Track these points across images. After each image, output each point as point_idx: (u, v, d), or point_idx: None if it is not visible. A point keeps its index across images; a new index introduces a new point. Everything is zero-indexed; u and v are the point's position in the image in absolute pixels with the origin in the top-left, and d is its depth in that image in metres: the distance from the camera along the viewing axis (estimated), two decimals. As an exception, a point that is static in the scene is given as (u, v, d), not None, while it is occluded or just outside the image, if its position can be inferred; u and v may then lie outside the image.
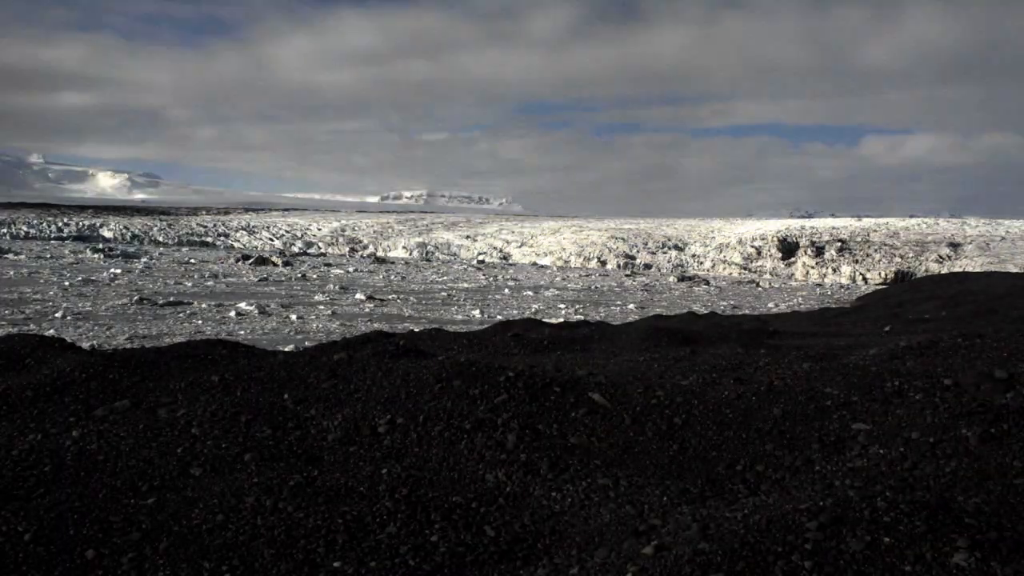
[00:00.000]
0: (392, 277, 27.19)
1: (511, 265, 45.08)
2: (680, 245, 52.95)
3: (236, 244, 57.48)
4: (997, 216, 69.92)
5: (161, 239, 58.22)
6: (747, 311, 22.17)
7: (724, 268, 48.11)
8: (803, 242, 49.41)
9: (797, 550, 2.60)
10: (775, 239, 50.29)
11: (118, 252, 37.59)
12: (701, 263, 49.37)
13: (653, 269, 48.00)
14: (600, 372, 5.85)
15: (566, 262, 51.46)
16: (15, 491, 3.22)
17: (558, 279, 29.67)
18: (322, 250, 56.55)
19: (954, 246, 46.57)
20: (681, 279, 30.87)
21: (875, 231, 51.40)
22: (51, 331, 12.64)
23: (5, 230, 54.69)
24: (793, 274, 45.76)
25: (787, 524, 2.77)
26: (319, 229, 64.87)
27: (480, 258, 53.35)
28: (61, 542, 2.72)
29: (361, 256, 51.48)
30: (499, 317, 16.90)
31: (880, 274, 43.65)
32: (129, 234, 58.19)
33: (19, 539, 2.70)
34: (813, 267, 46.27)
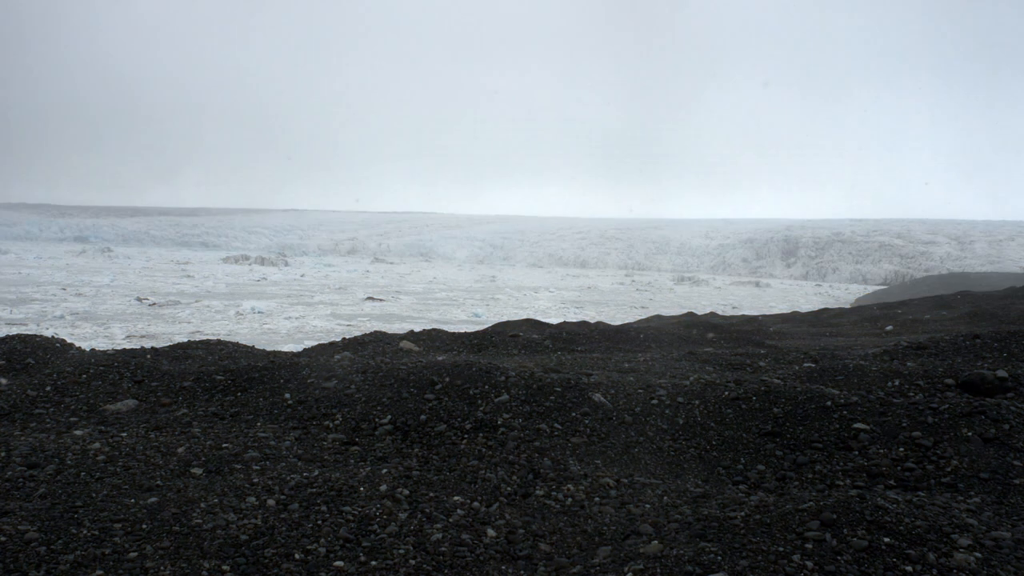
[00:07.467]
0: (392, 277, 27.18)
1: (511, 266, 45.08)
2: (680, 245, 52.96)
3: (235, 244, 57.47)
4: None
5: (161, 239, 58.23)
6: (747, 311, 22.15)
7: (724, 268, 48.09)
8: (803, 242, 49.41)
9: (799, 550, 2.60)
10: (776, 239, 50.29)
11: (117, 252, 37.55)
12: (701, 263, 49.37)
13: (653, 269, 47.99)
14: (601, 372, 5.85)
15: (566, 263, 51.46)
16: (18, 491, 3.22)
17: (558, 279, 29.68)
18: (322, 250, 56.51)
19: (958, 245, 46.53)
20: (681, 279, 30.84)
21: (876, 231, 51.42)
22: (51, 331, 12.63)
23: (5, 230, 54.69)
24: (793, 274, 45.76)
25: (788, 524, 2.78)
26: (319, 229, 64.90)
27: (480, 258, 53.34)
28: (63, 542, 2.72)
29: (361, 256, 51.42)
30: (499, 317, 16.91)
31: (880, 273, 43.62)
32: (129, 234, 58.20)
33: (21, 539, 2.70)
34: (813, 267, 46.26)
